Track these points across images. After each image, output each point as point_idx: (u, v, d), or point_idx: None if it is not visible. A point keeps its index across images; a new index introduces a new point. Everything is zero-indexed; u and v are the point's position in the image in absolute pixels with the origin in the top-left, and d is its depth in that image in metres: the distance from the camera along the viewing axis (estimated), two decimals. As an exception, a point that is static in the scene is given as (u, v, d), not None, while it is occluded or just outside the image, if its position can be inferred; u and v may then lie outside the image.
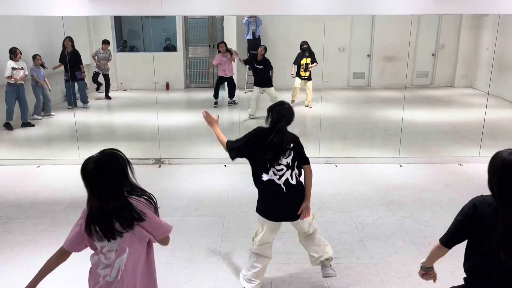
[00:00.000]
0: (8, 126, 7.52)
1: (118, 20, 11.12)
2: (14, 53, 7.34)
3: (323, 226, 4.28)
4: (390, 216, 4.51)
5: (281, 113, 3.05)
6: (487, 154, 6.69)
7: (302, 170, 3.14)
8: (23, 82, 7.50)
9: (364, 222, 4.39)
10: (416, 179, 5.54)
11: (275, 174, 3.00)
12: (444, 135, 7.52)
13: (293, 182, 3.03)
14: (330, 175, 5.70)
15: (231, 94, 9.13)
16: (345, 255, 3.77)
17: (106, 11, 5.87)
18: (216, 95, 9.19)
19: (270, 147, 2.97)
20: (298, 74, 8.89)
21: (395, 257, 3.75)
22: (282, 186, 3.00)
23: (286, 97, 9.39)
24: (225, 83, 9.13)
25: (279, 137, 2.97)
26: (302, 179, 3.14)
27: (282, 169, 3.01)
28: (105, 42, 9.28)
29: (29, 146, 7.07)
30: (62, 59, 8.22)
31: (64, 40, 7.90)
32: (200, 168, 5.90)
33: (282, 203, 3.04)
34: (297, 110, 9.50)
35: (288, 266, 3.62)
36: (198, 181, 5.50)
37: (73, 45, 8.21)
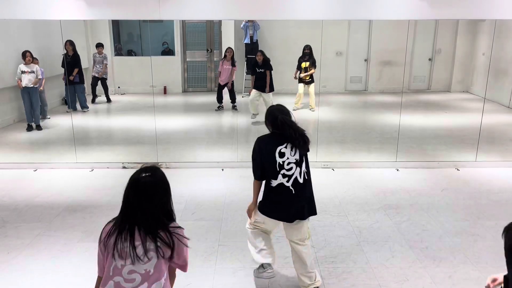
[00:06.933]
0: (28, 128, 7.71)
1: (116, 24, 11.13)
2: (23, 56, 7.45)
3: (320, 230, 4.28)
4: (387, 220, 4.52)
5: (277, 108, 3.14)
6: (484, 159, 6.72)
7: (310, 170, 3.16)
8: (33, 86, 7.58)
9: (361, 226, 4.39)
10: (413, 183, 5.55)
11: (284, 177, 3.00)
12: (441, 139, 7.55)
13: (301, 180, 3.02)
14: (327, 179, 5.70)
15: (232, 99, 9.16)
16: (342, 259, 3.77)
17: (104, 15, 5.88)
18: (218, 99, 9.18)
19: (290, 141, 3.00)
20: (300, 80, 8.91)
21: (392, 261, 3.75)
22: (291, 188, 3.00)
23: (284, 101, 9.39)
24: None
25: (289, 128, 2.99)
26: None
27: (291, 168, 3.00)
28: (99, 45, 9.32)
29: (26, 150, 7.05)
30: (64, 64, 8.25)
31: (64, 44, 7.91)
32: (198, 172, 5.90)
33: (291, 204, 3.05)
34: (297, 114, 9.54)
35: (285, 270, 3.62)
36: (195, 185, 5.50)
37: (73, 49, 8.23)
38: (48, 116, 8.38)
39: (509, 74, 9.39)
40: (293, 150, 3.02)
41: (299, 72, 8.88)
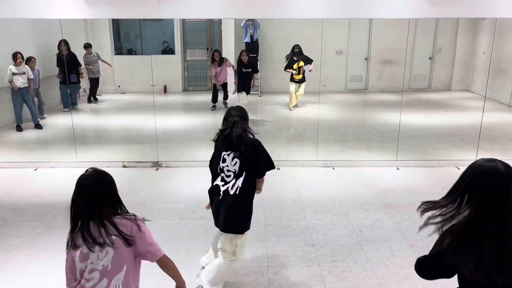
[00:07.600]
0: (18, 128, 7.64)
1: (116, 23, 11.13)
2: (14, 58, 7.39)
3: (320, 229, 4.28)
4: (388, 219, 4.52)
5: (233, 109, 3.26)
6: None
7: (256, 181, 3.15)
8: (27, 85, 7.55)
9: (361, 225, 4.39)
10: (414, 182, 5.55)
11: (221, 180, 3.06)
12: (441, 138, 7.54)
13: (231, 192, 3.01)
14: (327, 178, 5.70)
15: (225, 97, 9.19)
16: (342, 258, 3.77)
17: (104, 14, 5.88)
18: (213, 99, 9.20)
19: (225, 140, 3.09)
20: (292, 79, 8.88)
21: (392, 260, 3.75)
22: (221, 193, 3.04)
23: (283, 100, 9.42)
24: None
25: (234, 129, 3.06)
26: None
27: (229, 176, 3.05)
28: (88, 46, 9.30)
29: (26, 149, 7.04)
30: (59, 63, 8.23)
31: (59, 44, 7.90)
32: (198, 171, 5.89)
33: (217, 209, 3.09)
34: (297, 113, 9.44)
35: (285, 269, 3.62)
36: (195, 184, 5.49)
37: (68, 48, 8.22)
38: (45, 115, 8.35)
39: (510, 73, 9.38)
40: (234, 160, 3.04)
41: (292, 71, 8.83)
